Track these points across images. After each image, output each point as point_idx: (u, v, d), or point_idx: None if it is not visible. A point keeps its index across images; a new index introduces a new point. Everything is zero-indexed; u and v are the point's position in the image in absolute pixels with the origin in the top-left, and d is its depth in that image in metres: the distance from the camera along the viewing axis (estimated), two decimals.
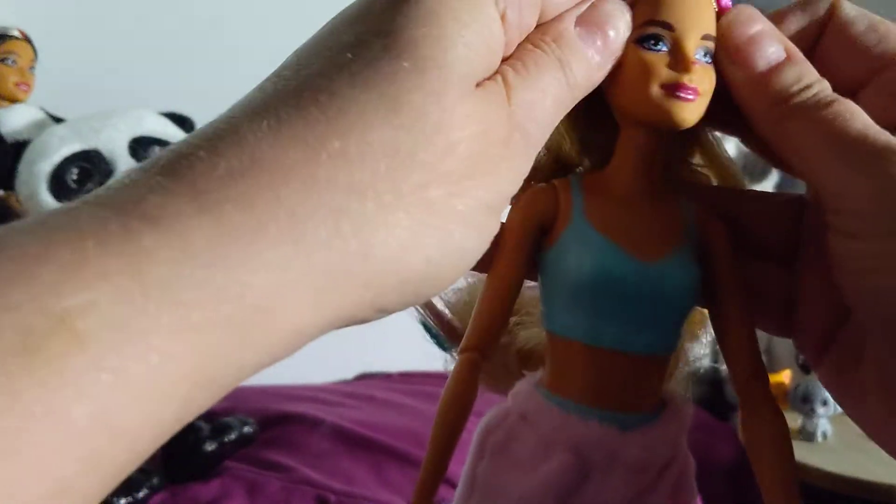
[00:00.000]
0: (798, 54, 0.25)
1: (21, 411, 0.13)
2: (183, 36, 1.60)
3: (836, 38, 0.26)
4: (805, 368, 1.13)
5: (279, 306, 0.16)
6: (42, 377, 0.13)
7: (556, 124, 0.24)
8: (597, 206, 0.27)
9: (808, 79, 0.24)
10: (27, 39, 1.29)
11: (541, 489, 0.27)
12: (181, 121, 1.19)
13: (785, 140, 0.25)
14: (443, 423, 0.26)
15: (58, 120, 1.24)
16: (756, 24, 0.25)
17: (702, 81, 0.26)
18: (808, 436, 0.99)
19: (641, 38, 0.26)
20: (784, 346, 1.16)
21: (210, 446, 1.10)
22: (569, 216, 0.26)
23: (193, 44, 1.60)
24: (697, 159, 0.33)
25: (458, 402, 0.27)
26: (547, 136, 0.23)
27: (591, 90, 0.25)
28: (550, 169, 0.29)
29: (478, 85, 0.20)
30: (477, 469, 0.28)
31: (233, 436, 1.14)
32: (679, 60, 0.26)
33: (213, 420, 1.18)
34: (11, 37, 1.28)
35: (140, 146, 1.06)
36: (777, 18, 0.26)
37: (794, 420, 1.03)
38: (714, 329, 0.29)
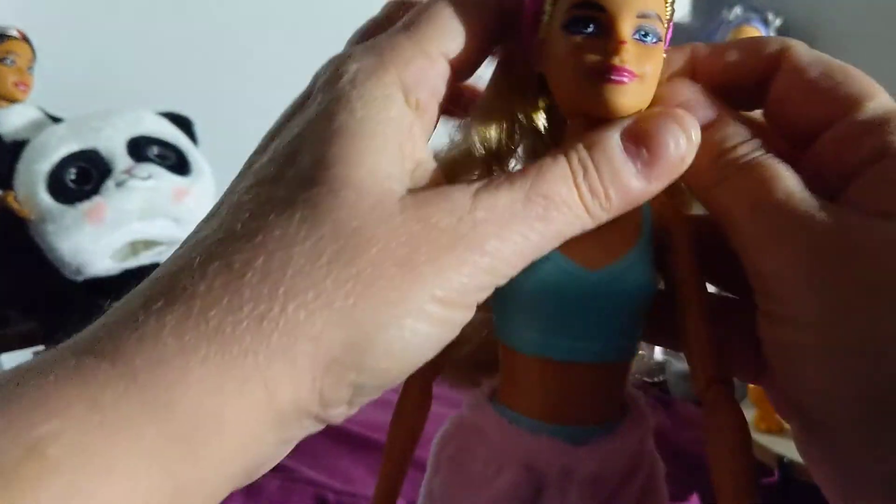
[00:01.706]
0: (726, 116, 0.23)
1: None
2: (181, 36, 1.59)
3: (790, 82, 0.24)
4: None
5: (223, 414, 0.17)
6: (18, 499, 0.14)
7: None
8: None
9: (733, 140, 0.22)
10: (26, 39, 1.29)
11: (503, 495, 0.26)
12: (179, 121, 1.19)
13: (714, 209, 0.22)
14: (393, 441, 0.27)
15: (56, 120, 1.24)
16: (684, 94, 0.23)
17: (638, 62, 0.24)
18: None
19: (569, 23, 0.24)
20: None
21: None
22: None
23: (192, 44, 1.60)
24: None
25: (407, 422, 0.28)
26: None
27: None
28: (488, 166, 0.27)
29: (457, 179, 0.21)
30: (433, 483, 0.28)
31: None
32: (608, 41, 0.24)
33: None
34: (10, 37, 1.28)
35: (138, 146, 1.06)
36: (718, 54, 0.24)
37: None
38: (676, 327, 0.27)
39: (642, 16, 0.24)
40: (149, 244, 1.07)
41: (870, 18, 1.48)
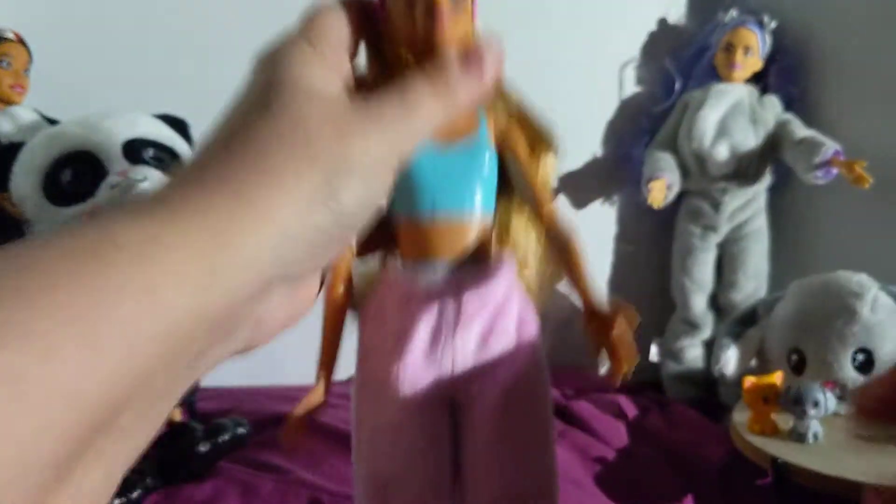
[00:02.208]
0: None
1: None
2: (177, 38, 1.60)
3: None
4: (797, 370, 1.14)
5: (260, 198, 0.24)
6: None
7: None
8: None
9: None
10: (22, 42, 1.30)
11: (411, 327, 0.36)
12: (176, 123, 1.19)
13: None
14: (327, 315, 0.40)
15: (52, 122, 1.24)
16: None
17: (452, 21, 0.36)
18: (799, 437, 1.00)
19: None
20: (776, 348, 1.17)
21: (204, 447, 1.10)
22: None
23: (188, 46, 1.60)
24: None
25: (336, 299, 0.40)
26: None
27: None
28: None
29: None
30: (361, 338, 0.38)
31: (226, 437, 1.15)
32: (430, 7, 0.35)
33: (207, 421, 1.18)
34: (6, 39, 1.28)
35: (134, 148, 1.06)
36: None
37: (785, 421, 1.04)
38: (517, 188, 0.40)
39: None
40: None
41: (864, 21, 1.48)
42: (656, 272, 1.78)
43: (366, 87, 0.32)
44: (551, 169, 0.44)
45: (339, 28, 0.31)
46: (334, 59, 0.30)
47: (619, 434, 1.35)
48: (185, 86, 1.58)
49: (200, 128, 1.25)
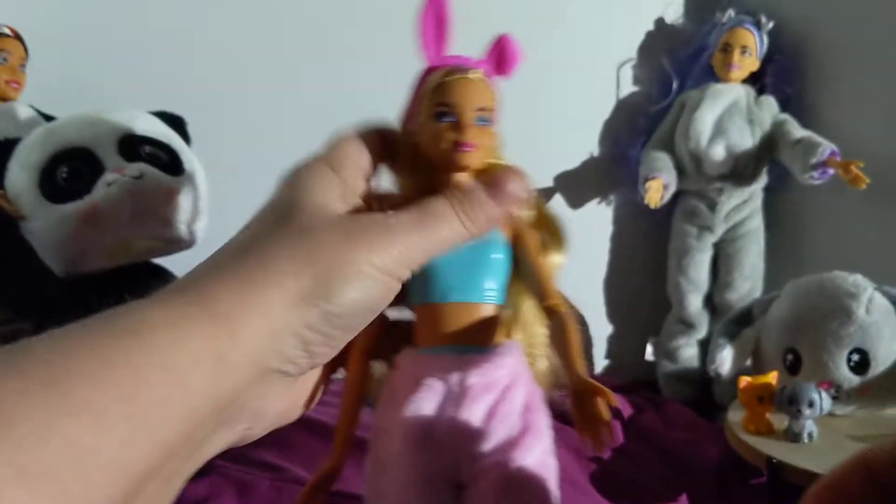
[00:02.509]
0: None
1: None
2: (174, 34, 1.59)
3: None
4: (792, 370, 1.14)
5: (251, 307, 0.27)
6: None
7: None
8: None
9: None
10: (18, 37, 1.29)
11: (415, 410, 0.38)
12: (172, 120, 1.19)
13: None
14: (345, 399, 0.42)
15: (48, 118, 1.24)
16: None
17: (478, 137, 0.40)
18: (794, 436, 1.00)
19: (436, 115, 0.41)
20: (771, 348, 1.17)
21: None
22: None
23: (186, 43, 1.60)
24: None
25: (354, 386, 0.42)
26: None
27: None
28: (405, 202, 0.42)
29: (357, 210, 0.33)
30: (374, 419, 0.40)
31: None
32: (459, 126, 0.40)
33: None
34: (2, 34, 1.28)
35: (130, 145, 1.06)
36: None
37: (780, 421, 1.04)
38: (526, 283, 0.43)
39: (479, 109, 0.41)
40: (140, 243, 1.07)
41: (862, 22, 1.49)
42: (652, 272, 1.78)
43: (393, 202, 0.36)
44: (559, 265, 0.47)
45: (357, 154, 0.35)
46: (352, 181, 0.34)
47: (614, 433, 1.35)
48: (183, 83, 1.57)
49: (198, 125, 1.25)
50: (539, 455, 0.41)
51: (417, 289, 0.41)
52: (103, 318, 0.24)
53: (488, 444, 0.39)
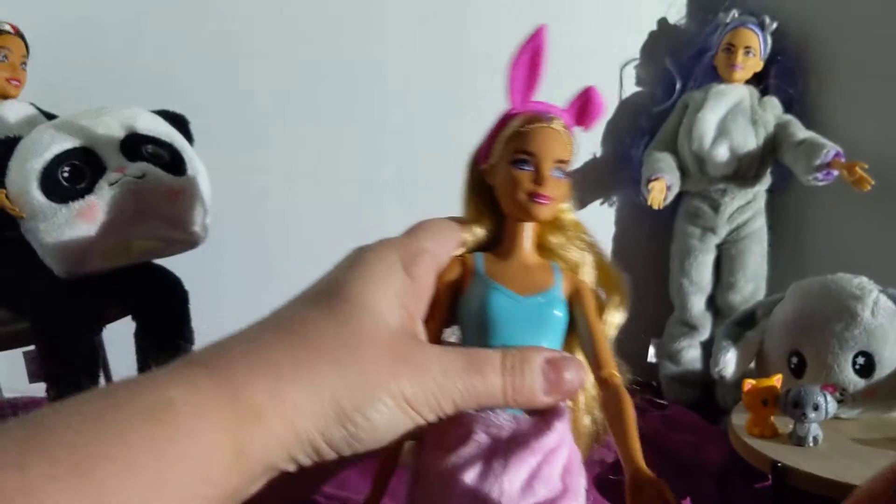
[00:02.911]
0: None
1: None
2: (177, 33, 1.59)
3: None
4: (796, 373, 1.13)
5: (275, 400, 0.25)
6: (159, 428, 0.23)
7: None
8: (492, 266, 0.43)
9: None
10: (19, 34, 1.28)
11: (464, 460, 0.39)
12: (174, 118, 1.18)
13: None
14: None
15: (50, 116, 1.23)
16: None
17: (555, 190, 0.43)
18: (798, 440, 0.99)
19: (514, 161, 0.42)
20: (775, 351, 1.16)
21: None
22: (473, 274, 0.42)
23: (187, 41, 1.59)
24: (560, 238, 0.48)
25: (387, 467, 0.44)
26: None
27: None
28: (472, 246, 0.43)
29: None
30: (419, 462, 0.40)
31: None
32: (538, 177, 0.42)
33: None
34: (3, 32, 1.27)
35: (132, 144, 1.05)
36: None
37: (784, 424, 1.04)
38: (581, 345, 0.44)
39: (558, 161, 0.43)
40: (142, 244, 1.06)
41: (865, 23, 1.48)
42: (655, 273, 1.78)
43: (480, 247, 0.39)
44: (617, 325, 0.47)
45: (436, 249, 0.35)
46: (422, 279, 0.33)
47: None
48: (185, 81, 1.57)
49: (199, 124, 1.24)
50: None
51: (473, 338, 0.41)
52: (126, 392, 0.24)
53: (527, 502, 0.40)
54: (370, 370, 0.27)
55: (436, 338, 0.41)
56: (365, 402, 0.27)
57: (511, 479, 0.39)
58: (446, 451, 0.39)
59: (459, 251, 0.42)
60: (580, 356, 0.44)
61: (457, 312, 0.43)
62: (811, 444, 1.00)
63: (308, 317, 0.28)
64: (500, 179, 0.42)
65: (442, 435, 0.40)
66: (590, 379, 0.45)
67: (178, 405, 0.23)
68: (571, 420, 0.45)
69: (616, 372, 0.41)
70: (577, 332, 0.44)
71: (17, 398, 1.51)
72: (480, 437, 0.39)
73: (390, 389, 0.27)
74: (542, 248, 0.46)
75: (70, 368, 1.01)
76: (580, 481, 0.42)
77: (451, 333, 0.44)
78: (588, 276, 0.47)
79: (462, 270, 0.42)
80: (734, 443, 1.09)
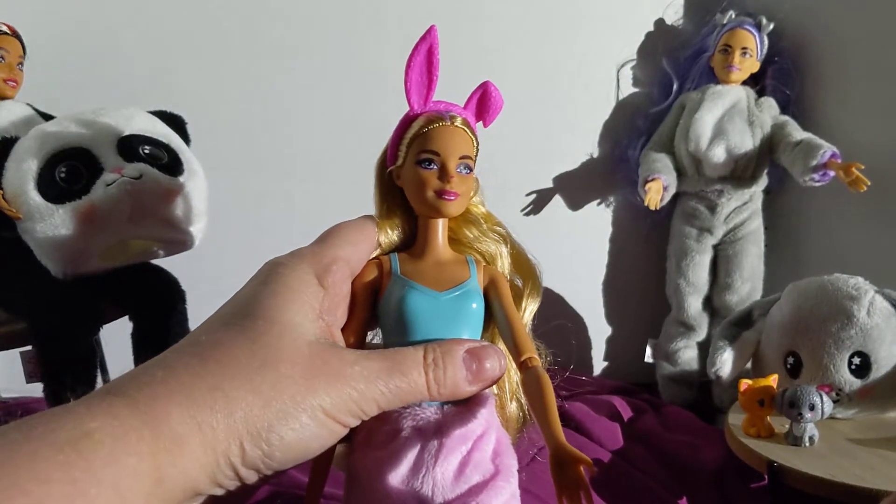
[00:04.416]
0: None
1: None
2: (174, 34, 1.59)
3: None
4: (792, 373, 1.14)
5: (191, 431, 0.26)
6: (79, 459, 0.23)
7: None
8: (407, 265, 0.43)
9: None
10: (16, 35, 1.28)
11: (396, 457, 0.39)
12: (172, 119, 1.18)
13: None
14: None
15: (47, 117, 1.23)
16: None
17: (461, 186, 0.43)
18: (794, 440, 0.99)
19: (419, 161, 0.43)
20: (772, 351, 1.17)
21: None
22: (389, 275, 0.43)
23: (184, 42, 1.59)
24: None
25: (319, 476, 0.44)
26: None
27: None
28: (387, 247, 0.45)
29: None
30: (350, 463, 0.40)
31: None
32: (443, 174, 0.42)
33: None
34: (0, 32, 1.27)
35: (129, 144, 1.05)
36: None
37: (781, 424, 1.04)
38: (500, 333, 0.44)
39: (462, 157, 0.43)
40: (139, 244, 1.06)
41: (862, 24, 1.49)
42: (651, 273, 1.78)
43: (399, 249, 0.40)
44: (532, 312, 0.48)
45: (348, 256, 0.34)
46: (336, 287, 0.33)
47: (614, 436, 1.35)
48: (182, 82, 1.57)
49: (196, 124, 1.24)
50: (508, 498, 0.42)
51: (394, 337, 0.41)
52: (44, 423, 0.23)
53: (462, 493, 0.40)
54: (284, 387, 0.27)
55: (358, 342, 0.41)
56: (279, 421, 0.27)
57: (444, 470, 0.40)
58: (376, 449, 0.40)
59: (374, 254, 0.43)
60: (501, 345, 0.44)
61: (376, 316, 0.43)
62: (807, 444, 1.00)
63: (223, 339, 0.28)
64: (408, 180, 0.43)
65: (370, 434, 0.40)
66: (514, 366, 0.45)
67: (97, 435, 0.23)
68: (498, 406, 0.46)
69: (535, 355, 0.42)
70: (496, 320, 0.44)
71: (13, 399, 1.51)
72: (408, 432, 0.40)
73: (306, 405, 0.28)
74: (458, 242, 0.47)
75: (67, 369, 1.01)
76: (512, 462, 0.43)
77: (374, 336, 0.45)
78: (504, 266, 0.47)
79: (378, 272, 0.43)
80: (730, 443, 1.09)
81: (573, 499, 0.36)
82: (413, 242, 0.46)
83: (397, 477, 0.39)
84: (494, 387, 0.45)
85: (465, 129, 0.44)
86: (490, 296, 0.45)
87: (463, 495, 0.40)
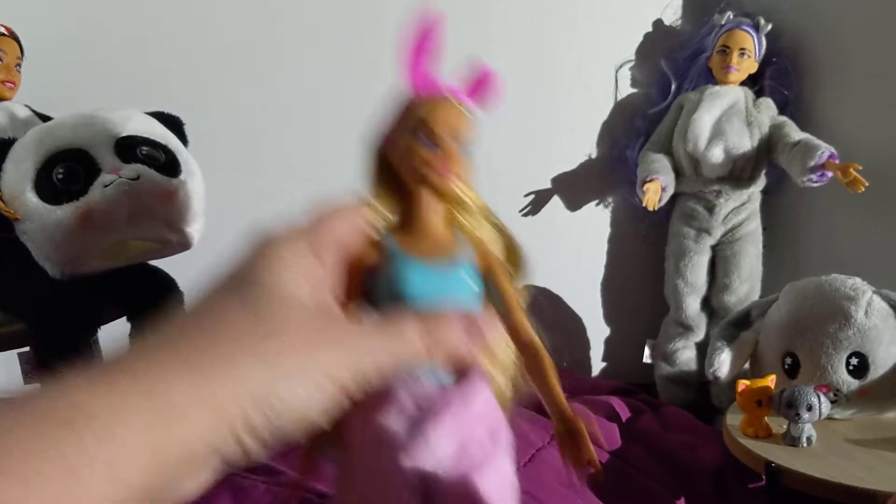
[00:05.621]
0: None
1: None
2: (171, 35, 1.59)
3: None
4: (790, 373, 1.14)
5: (191, 400, 0.25)
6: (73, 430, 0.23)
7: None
8: (403, 244, 0.45)
9: None
10: (13, 36, 1.28)
11: (396, 433, 0.40)
12: (170, 120, 1.18)
13: None
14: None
15: (44, 118, 1.23)
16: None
17: (459, 165, 0.45)
18: (792, 440, 1.00)
19: (419, 139, 0.44)
20: (770, 351, 1.17)
21: None
22: (385, 253, 0.44)
23: (182, 43, 1.59)
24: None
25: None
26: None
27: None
28: (381, 227, 0.46)
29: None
30: (348, 442, 0.41)
31: None
32: (443, 154, 0.44)
33: None
34: None
35: (127, 145, 1.05)
36: None
37: (778, 425, 1.04)
38: (496, 310, 0.45)
39: (461, 137, 0.45)
40: (137, 245, 1.06)
41: (859, 24, 1.49)
42: (650, 274, 1.78)
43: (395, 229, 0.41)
44: (525, 298, 0.49)
45: (343, 233, 0.35)
46: (331, 262, 0.34)
47: (612, 436, 1.35)
48: (180, 83, 1.57)
49: (194, 124, 1.24)
50: (505, 472, 0.43)
51: (392, 308, 0.43)
52: (37, 398, 0.23)
53: (458, 468, 0.41)
54: (287, 351, 0.28)
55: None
56: (283, 385, 0.27)
57: (444, 447, 0.41)
58: (376, 424, 0.41)
59: (369, 233, 0.45)
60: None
61: (371, 295, 0.44)
62: (805, 445, 1.00)
63: (223, 308, 0.29)
64: (407, 160, 0.45)
65: (370, 409, 0.41)
66: (506, 347, 0.47)
67: (91, 409, 0.23)
68: (493, 387, 0.47)
69: (534, 335, 0.43)
70: (493, 302, 0.46)
71: None
72: (409, 408, 0.41)
73: (309, 370, 0.28)
74: (455, 228, 0.48)
75: (65, 369, 1.01)
76: (505, 437, 0.44)
77: (368, 316, 0.47)
78: (498, 252, 0.49)
79: (374, 251, 0.44)
80: (728, 443, 1.09)
81: (578, 457, 0.38)
82: (408, 223, 0.48)
83: (397, 452, 0.40)
84: (489, 365, 0.46)
85: (465, 110, 0.46)
86: (487, 279, 0.46)
87: (462, 469, 0.41)
